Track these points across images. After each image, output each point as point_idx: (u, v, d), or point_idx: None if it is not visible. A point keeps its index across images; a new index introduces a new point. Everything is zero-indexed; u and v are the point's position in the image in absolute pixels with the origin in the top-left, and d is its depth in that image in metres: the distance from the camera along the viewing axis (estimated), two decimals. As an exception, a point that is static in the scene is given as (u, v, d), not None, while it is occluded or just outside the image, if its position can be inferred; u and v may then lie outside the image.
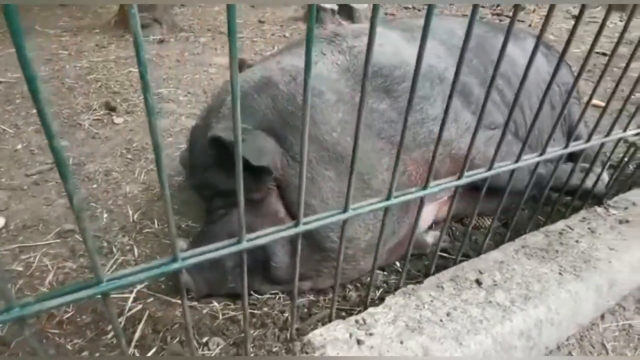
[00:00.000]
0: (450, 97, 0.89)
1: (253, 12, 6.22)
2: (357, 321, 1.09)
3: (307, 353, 0.99)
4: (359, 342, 1.02)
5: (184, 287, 0.78)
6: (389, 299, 1.17)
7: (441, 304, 1.15)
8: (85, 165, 2.18)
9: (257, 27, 5.30)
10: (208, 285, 1.25)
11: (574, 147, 1.32)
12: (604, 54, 3.86)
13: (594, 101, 1.26)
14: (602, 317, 1.36)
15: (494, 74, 0.93)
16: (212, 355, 1.03)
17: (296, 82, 1.25)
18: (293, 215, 1.20)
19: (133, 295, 1.33)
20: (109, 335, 1.20)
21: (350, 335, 1.04)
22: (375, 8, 0.69)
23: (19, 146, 2.30)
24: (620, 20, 5.68)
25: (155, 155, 0.62)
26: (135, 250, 1.61)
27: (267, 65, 1.39)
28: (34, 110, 0.51)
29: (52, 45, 4.02)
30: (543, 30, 0.94)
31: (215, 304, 1.27)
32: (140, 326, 1.18)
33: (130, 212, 1.83)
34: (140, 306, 1.28)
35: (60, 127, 2.51)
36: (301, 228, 0.85)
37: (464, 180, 1.08)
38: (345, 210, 0.90)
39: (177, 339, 1.12)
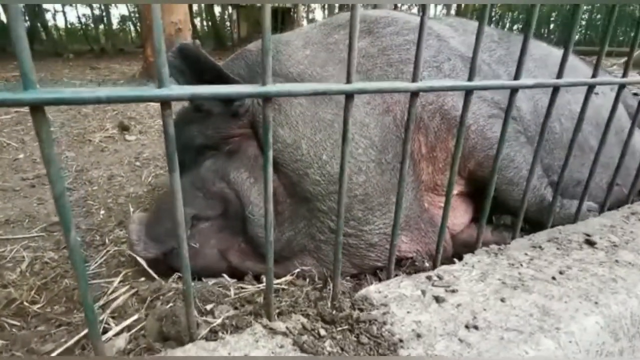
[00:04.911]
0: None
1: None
2: (429, 278, 0.75)
3: (361, 311, 0.65)
4: (437, 299, 0.68)
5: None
6: (468, 257, 0.83)
7: (547, 263, 0.81)
8: (89, 171, 1.96)
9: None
10: (160, 244, 0.99)
11: None
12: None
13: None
14: None
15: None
16: (216, 323, 0.69)
17: None
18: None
19: (120, 277, 1.02)
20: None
21: (423, 293, 0.70)
22: None
23: (21, 155, 2.12)
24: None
25: None
26: (132, 242, 1.31)
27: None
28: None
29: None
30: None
31: (227, 278, 0.95)
32: (123, 297, 0.85)
33: (132, 209, 1.57)
34: (127, 287, 0.96)
35: (68, 143, 2.34)
36: (354, 86, 0.57)
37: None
38: (414, 80, 0.63)
39: (170, 305, 0.78)
